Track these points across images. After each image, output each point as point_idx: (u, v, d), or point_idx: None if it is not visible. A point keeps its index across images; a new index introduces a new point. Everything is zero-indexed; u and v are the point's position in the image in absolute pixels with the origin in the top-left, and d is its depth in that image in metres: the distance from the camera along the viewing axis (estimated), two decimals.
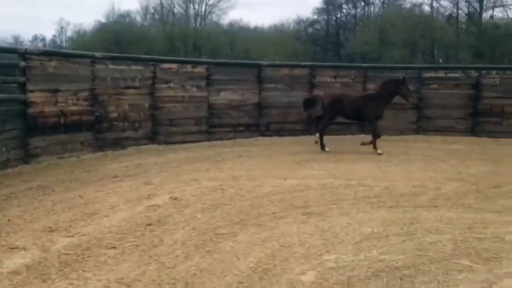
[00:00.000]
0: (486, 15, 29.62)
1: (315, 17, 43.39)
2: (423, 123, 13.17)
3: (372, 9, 40.77)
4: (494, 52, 27.22)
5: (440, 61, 31.74)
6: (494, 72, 12.99)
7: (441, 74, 13.19)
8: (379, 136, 10.18)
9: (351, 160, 9.38)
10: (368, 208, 5.84)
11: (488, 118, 12.79)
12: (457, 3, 29.57)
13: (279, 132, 12.36)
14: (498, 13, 29.81)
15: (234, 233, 4.79)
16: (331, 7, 41.82)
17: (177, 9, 46.99)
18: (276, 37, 43.34)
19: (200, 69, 11.44)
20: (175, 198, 6.06)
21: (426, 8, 32.94)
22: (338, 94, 11.01)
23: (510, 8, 27.58)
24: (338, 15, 42.41)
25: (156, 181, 7.13)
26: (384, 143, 11.94)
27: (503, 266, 3.99)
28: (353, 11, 41.33)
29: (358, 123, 11.92)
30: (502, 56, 28.20)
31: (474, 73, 12.97)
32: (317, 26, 44.06)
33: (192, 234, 4.73)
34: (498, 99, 12.67)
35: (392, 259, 4.11)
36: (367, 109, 10.21)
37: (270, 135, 12.28)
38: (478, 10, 29.42)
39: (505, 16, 28.32)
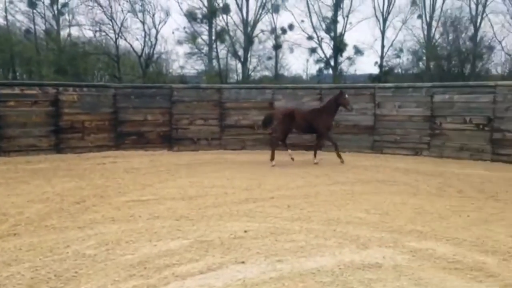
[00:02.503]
0: (64, 33, 30.44)
1: None
2: (3, 143, 12.12)
3: None
4: (77, 69, 28.26)
5: (24, 76, 30.46)
6: (71, 88, 13.31)
7: (17, 90, 12.42)
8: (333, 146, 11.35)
9: None
10: None
11: (71, 134, 13.06)
12: (34, 19, 29.00)
13: None
14: (75, 32, 31.18)
15: None
16: None
17: None
18: None
19: None
20: None
21: (1, 21, 30.75)
22: (290, 108, 11.64)
23: (86, 28, 29.29)
24: None
25: None
26: None
27: (82, 283, 3.96)
28: None
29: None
30: (85, 73, 29.70)
31: (51, 90, 12.89)
32: None
33: None
34: (78, 115, 13.13)
35: None
36: (318, 122, 11.15)
37: None
38: (56, 27, 29.85)
39: (82, 35, 29.90)
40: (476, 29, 28.91)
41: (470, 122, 12.18)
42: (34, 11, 28.44)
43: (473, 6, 28.96)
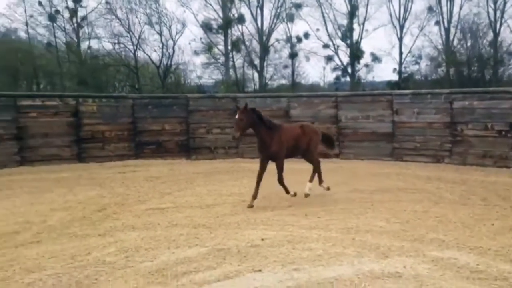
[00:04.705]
0: (84, 45, 30.89)
1: None
2: (26, 153, 12.42)
3: None
4: (98, 81, 28.66)
5: (48, 88, 30.96)
6: (91, 100, 13.56)
7: (38, 102, 12.74)
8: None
9: None
10: None
11: (92, 143, 13.27)
12: (54, 32, 29.44)
13: None
14: (95, 44, 31.54)
15: None
16: None
17: None
18: None
19: None
20: None
21: (23, 34, 31.28)
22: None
23: (105, 41, 29.68)
24: None
25: None
26: None
27: None
28: None
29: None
30: (106, 85, 30.07)
31: (72, 101, 13.15)
32: None
33: None
34: (98, 125, 13.35)
35: None
36: None
37: None
38: (76, 40, 30.33)
39: (101, 48, 30.29)
40: (496, 35, 28.45)
41: (492, 128, 11.94)
42: (55, 24, 28.96)
43: (491, 11, 28.54)
